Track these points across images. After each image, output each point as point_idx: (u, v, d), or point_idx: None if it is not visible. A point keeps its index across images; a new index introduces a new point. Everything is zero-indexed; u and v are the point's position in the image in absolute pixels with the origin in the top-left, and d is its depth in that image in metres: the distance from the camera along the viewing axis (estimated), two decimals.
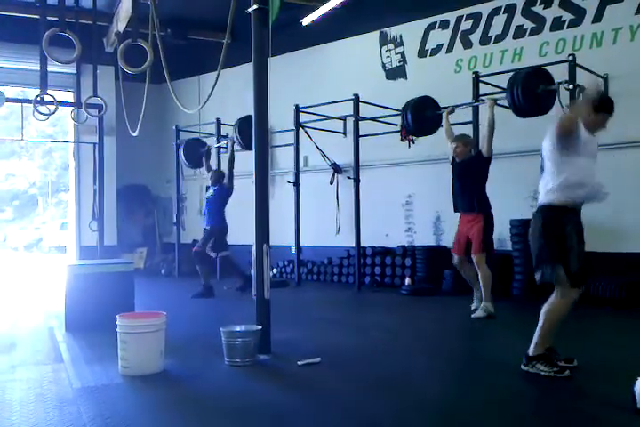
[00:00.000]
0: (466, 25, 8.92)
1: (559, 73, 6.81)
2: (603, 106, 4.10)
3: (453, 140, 6.58)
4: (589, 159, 3.90)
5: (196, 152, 10.09)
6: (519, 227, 7.74)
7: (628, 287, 6.74)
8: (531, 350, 3.86)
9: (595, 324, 5.88)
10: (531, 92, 6.70)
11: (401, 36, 9.71)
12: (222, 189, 8.50)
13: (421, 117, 7.82)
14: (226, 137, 10.97)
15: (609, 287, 6.80)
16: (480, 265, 6.26)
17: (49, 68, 9.17)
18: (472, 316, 6.20)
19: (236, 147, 9.00)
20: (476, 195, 6.36)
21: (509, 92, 6.74)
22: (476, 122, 7.38)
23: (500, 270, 7.57)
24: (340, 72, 10.37)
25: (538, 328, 3.85)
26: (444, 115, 7.02)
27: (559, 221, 3.81)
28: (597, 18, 7.62)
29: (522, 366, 3.88)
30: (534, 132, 7.83)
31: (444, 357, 4.63)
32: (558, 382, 3.68)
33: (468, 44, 8.91)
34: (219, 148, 10.56)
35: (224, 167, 9.13)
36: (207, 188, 9.06)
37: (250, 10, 4.73)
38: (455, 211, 6.59)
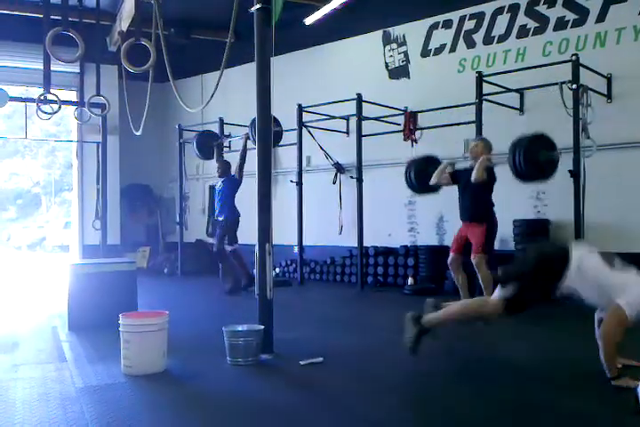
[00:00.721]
0: (469, 24, 8.91)
1: (562, 73, 6.80)
2: None
3: (475, 140, 6.55)
4: None
5: (208, 144, 10.04)
6: (522, 227, 7.75)
7: None
8: (427, 317, 4.07)
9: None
10: (532, 158, 6.56)
11: (404, 36, 9.71)
12: (231, 180, 8.54)
13: (424, 175, 7.50)
14: (229, 136, 10.98)
15: None
16: (480, 267, 6.19)
17: (52, 67, 9.19)
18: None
19: (249, 143, 8.98)
20: (481, 205, 6.27)
21: (511, 157, 6.61)
22: (479, 122, 7.36)
23: None
24: (342, 71, 10.37)
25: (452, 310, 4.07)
26: (443, 164, 6.79)
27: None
28: (601, 18, 7.61)
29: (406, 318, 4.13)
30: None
31: (447, 357, 4.63)
32: (560, 382, 3.68)
33: (471, 44, 8.90)
34: (228, 142, 10.56)
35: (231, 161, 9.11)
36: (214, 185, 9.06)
37: (253, 9, 4.73)
38: (462, 220, 6.51)
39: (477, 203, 6.31)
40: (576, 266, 3.65)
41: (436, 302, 4.21)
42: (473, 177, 6.19)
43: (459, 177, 6.58)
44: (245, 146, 8.62)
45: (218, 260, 8.56)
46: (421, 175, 7.36)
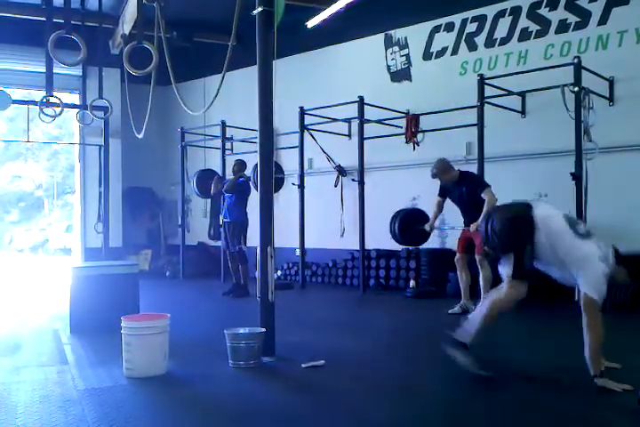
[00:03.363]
0: (471, 27, 8.91)
1: (564, 75, 6.80)
2: None
3: (434, 177, 6.68)
4: None
5: (207, 182, 10.06)
6: None
7: (635, 290, 6.70)
8: (464, 337, 3.89)
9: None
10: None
11: (406, 39, 9.71)
12: (245, 182, 8.51)
13: (409, 229, 7.41)
14: (231, 139, 11.00)
15: (614, 290, 6.77)
16: (482, 264, 6.36)
17: (55, 70, 9.20)
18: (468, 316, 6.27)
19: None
20: (480, 210, 6.35)
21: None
22: (480, 125, 7.37)
23: None
24: (344, 74, 10.37)
25: (480, 316, 3.89)
26: (431, 222, 6.95)
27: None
28: (603, 20, 7.61)
29: (446, 348, 3.93)
30: (542, 136, 7.89)
31: (448, 359, 4.62)
32: (560, 384, 3.67)
33: (473, 47, 8.90)
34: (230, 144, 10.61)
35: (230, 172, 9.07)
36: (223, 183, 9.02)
37: (255, 12, 4.74)
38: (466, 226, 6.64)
39: (476, 209, 6.37)
40: (541, 225, 3.69)
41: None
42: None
43: (447, 191, 6.75)
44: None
45: (239, 261, 8.49)
46: (405, 230, 7.32)
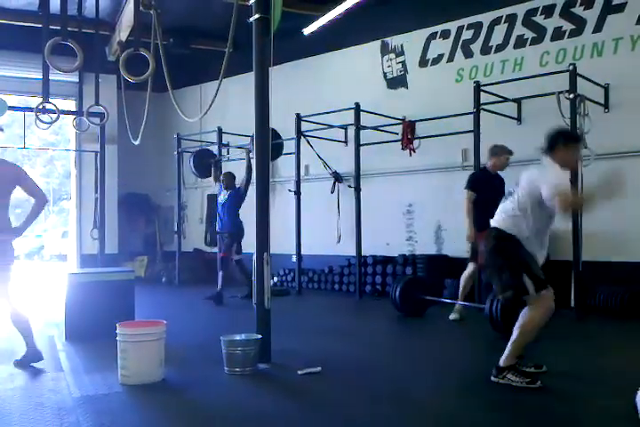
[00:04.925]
0: (467, 34, 8.95)
1: (560, 82, 6.83)
2: (569, 137, 4.23)
3: (508, 153, 6.56)
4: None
5: (205, 162, 10.09)
6: None
7: (630, 297, 6.72)
8: (502, 361, 3.87)
9: (596, 333, 5.86)
10: None
11: (402, 46, 9.75)
12: (237, 192, 8.50)
13: (409, 297, 7.01)
14: (227, 145, 11.00)
15: (610, 297, 6.79)
16: None
17: (51, 77, 9.18)
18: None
19: (252, 155, 8.91)
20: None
21: None
22: (476, 131, 7.39)
23: None
24: (341, 81, 10.40)
25: (511, 341, 3.86)
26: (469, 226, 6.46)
27: (512, 243, 3.90)
28: (598, 28, 7.65)
29: (492, 378, 3.87)
30: (538, 142, 7.86)
31: (445, 367, 4.61)
32: (557, 392, 3.67)
33: (468, 54, 8.93)
34: (227, 150, 10.58)
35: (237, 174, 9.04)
36: (216, 195, 9.01)
37: (251, 19, 4.76)
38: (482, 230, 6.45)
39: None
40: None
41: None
42: None
43: (488, 179, 6.55)
44: (249, 160, 8.36)
45: (222, 267, 8.54)
46: (406, 297, 6.93)
